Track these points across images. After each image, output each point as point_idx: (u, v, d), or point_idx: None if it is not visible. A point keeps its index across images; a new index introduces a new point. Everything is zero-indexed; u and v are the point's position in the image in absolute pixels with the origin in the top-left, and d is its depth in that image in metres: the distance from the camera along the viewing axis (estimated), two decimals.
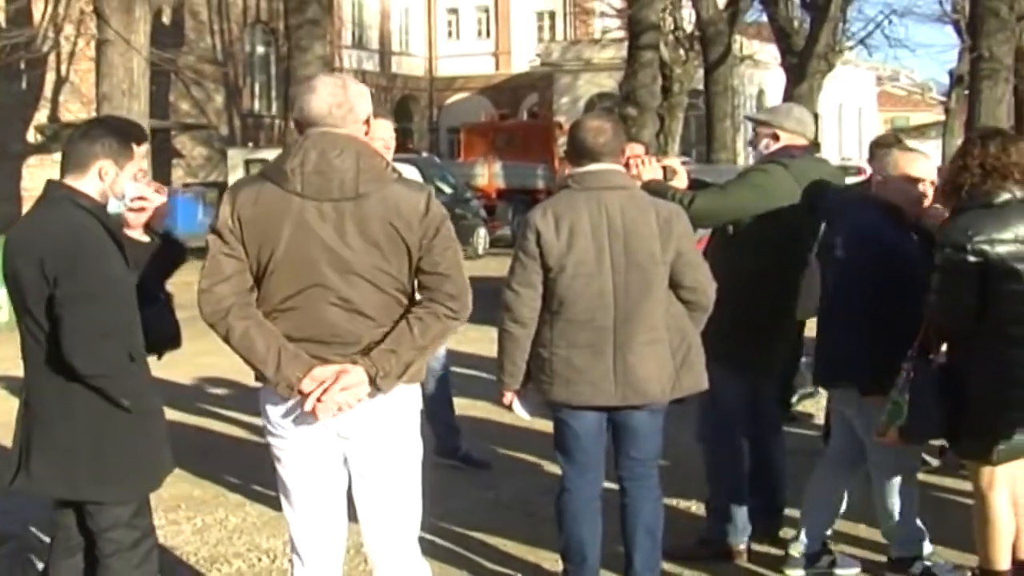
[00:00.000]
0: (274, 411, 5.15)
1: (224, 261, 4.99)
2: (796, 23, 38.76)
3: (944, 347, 6.38)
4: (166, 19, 41.65)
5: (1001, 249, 5.92)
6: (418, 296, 5.14)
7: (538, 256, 6.08)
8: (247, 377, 5.46)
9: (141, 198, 5.57)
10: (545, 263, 6.07)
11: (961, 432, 6.21)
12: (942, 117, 49.12)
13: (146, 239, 5.66)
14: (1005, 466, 6.14)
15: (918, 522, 6.91)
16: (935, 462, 8.67)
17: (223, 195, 5.22)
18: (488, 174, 39.33)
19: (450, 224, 5.17)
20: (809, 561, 7.08)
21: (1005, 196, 6.03)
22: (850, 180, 9.39)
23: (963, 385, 6.13)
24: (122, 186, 5.42)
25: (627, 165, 6.92)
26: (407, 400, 5.25)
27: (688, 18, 44.43)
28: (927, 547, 6.92)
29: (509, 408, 6.49)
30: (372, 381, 4.95)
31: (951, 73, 43.72)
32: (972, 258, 5.92)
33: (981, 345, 6.07)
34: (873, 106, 76.33)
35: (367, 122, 5.17)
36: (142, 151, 5.61)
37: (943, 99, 52.35)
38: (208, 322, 5.02)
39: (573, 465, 6.39)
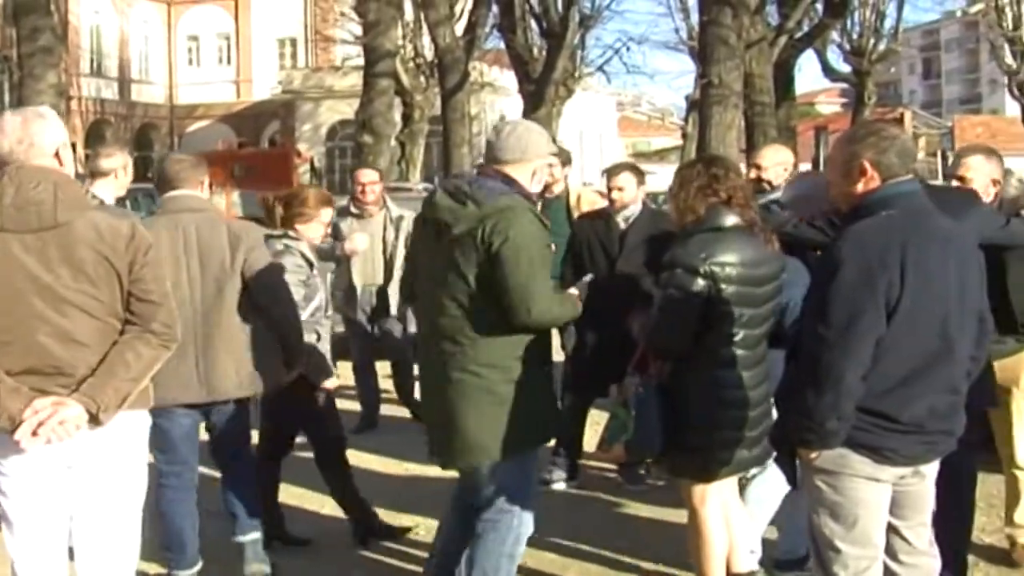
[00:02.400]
0: None
1: None
2: (535, 50, 38.91)
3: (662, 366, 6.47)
4: None
5: (730, 271, 6.13)
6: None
7: None
8: None
9: None
10: None
11: (676, 450, 6.33)
12: (681, 142, 50.14)
13: None
14: (717, 483, 6.39)
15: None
16: (660, 482, 8.91)
17: None
18: (226, 203, 38.65)
19: (157, 253, 5.32)
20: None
21: (732, 220, 6.26)
22: None
23: (678, 403, 6.28)
24: None
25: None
26: (132, 427, 5.28)
27: (428, 45, 44.39)
28: None
29: None
30: (91, 415, 4.94)
31: (687, 99, 44.55)
32: (702, 281, 6.12)
33: (695, 365, 6.27)
34: (614, 131, 77.50)
35: (57, 154, 5.17)
36: None
37: (682, 124, 53.39)
38: None
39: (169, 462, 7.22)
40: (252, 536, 7.52)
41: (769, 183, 8.89)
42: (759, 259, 6.30)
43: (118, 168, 8.17)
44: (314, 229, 8.10)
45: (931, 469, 5.48)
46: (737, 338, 6.26)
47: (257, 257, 7.13)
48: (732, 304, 6.20)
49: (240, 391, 7.20)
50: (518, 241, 5.81)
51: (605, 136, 73.79)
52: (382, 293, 11.78)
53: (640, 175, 9.41)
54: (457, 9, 40.68)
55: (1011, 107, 68.93)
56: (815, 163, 36.44)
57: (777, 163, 8.88)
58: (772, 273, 6.37)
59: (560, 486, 9.33)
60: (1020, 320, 7.13)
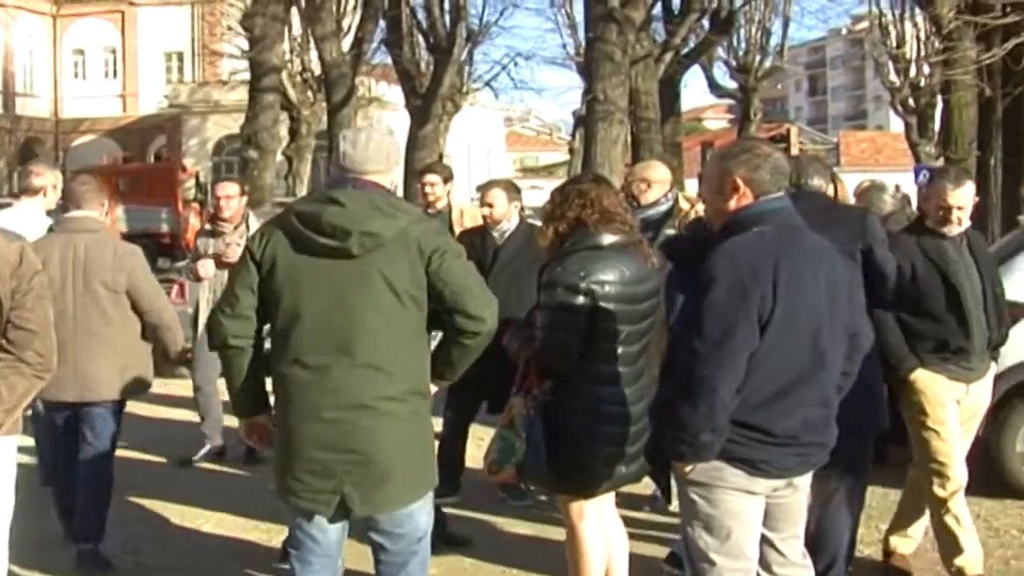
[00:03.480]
0: None
1: None
2: (422, 65, 38.80)
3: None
4: None
5: (609, 289, 6.21)
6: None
7: None
8: None
9: None
10: None
11: (556, 466, 6.31)
12: (569, 157, 50.23)
13: None
14: (595, 498, 6.47)
15: None
16: (542, 497, 9.10)
17: None
18: (111, 218, 38.18)
19: (43, 279, 5.26)
20: None
21: (611, 239, 6.33)
22: None
23: (559, 420, 6.30)
24: None
25: None
26: (1, 453, 5.35)
27: (316, 60, 44.18)
28: None
29: None
30: None
31: (575, 114, 44.62)
32: (582, 298, 6.19)
33: (576, 383, 6.31)
34: (502, 146, 77.56)
35: None
36: None
37: (570, 139, 53.48)
38: None
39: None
40: (89, 546, 8.00)
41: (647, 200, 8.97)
42: (638, 276, 6.36)
43: (47, 186, 8.89)
44: None
45: (804, 481, 5.54)
46: (617, 355, 6.34)
47: (139, 276, 8.20)
48: (612, 321, 6.26)
49: (113, 394, 8.14)
50: (448, 244, 5.66)
51: (493, 151, 73.83)
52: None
53: (512, 191, 9.43)
54: (345, 24, 40.51)
55: (895, 123, 69.67)
56: (701, 178, 36.86)
57: (664, 179, 8.97)
58: (651, 290, 6.45)
59: (447, 501, 9.25)
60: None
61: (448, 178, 10.87)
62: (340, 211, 5.48)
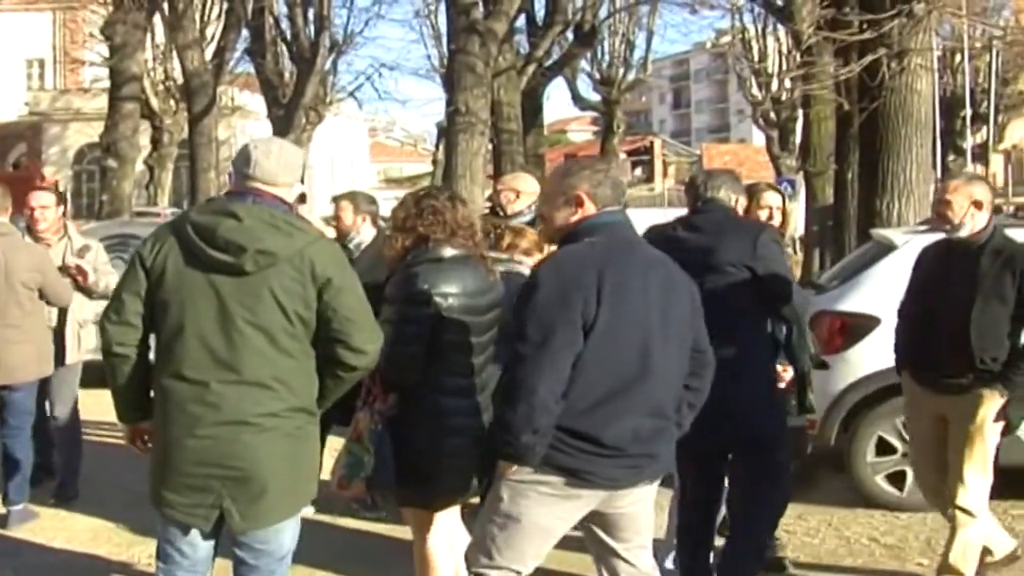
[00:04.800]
0: None
1: None
2: (286, 74, 38.59)
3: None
4: None
5: (452, 301, 6.27)
6: None
7: None
8: None
9: None
10: None
11: (403, 479, 6.34)
12: (432, 168, 50.24)
13: None
14: (441, 511, 6.55)
15: None
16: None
17: None
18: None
19: None
20: None
21: (452, 252, 6.40)
22: None
23: (405, 433, 6.33)
24: None
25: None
26: None
27: (179, 68, 43.80)
28: None
29: None
30: None
31: (438, 126, 44.61)
32: (425, 310, 6.22)
33: (421, 395, 6.32)
34: (366, 157, 77.41)
35: None
36: None
37: (433, 151, 53.48)
38: None
39: None
40: (19, 507, 9.37)
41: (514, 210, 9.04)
42: (480, 288, 6.42)
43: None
44: None
45: (646, 493, 5.61)
46: (461, 366, 6.36)
47: (51, 275, 9.44)
48: (455, 333, 6.31)
49: (29, 376, 9.48)
50: (344, 272, 5.58)
51: (357, 162, 73.65)
52: (57, 335, 9.90)
53: (362, 203, 9.46)
54: (208, 32, 40.19)
55: (758, 136, 70.55)
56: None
57: (520, 190, 9.02)
58: (493, 302, 6.48)
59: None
60: (978, 357, 7.32)
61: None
62: (237, 226, 5.37)
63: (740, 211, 7.47)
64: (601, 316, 5.19)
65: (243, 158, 5.64)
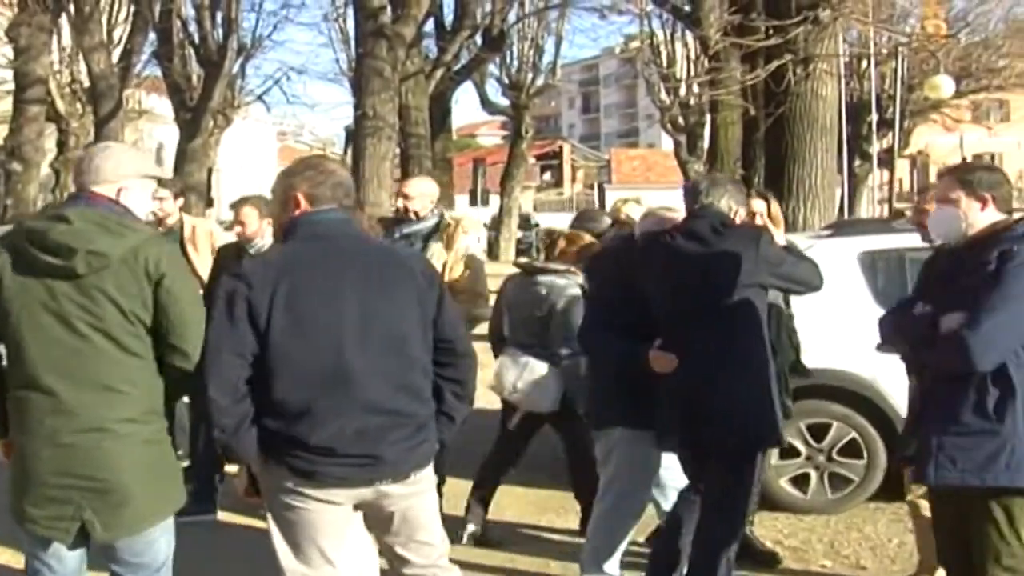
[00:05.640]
0: None
1: None
2: (194, 78, 38.34)
3: None
4: None
5: None
6: None
7: None
8: None
9: None
10: None
11: None
12: None
13: None
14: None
15: None
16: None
17: None
18: None
19: None
20: None
21: None
22: None
23: None
24: None
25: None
26: None
27: (85, 71, 43.37)
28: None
29: None
30: None
31: (347, 130, 44.48)
32: None
33: None
34: (275, 161, 76.99)
35: None
36: None
37: (343, 154, 53.34)
38: None
39: None
40: None
41: (416, 213, 9.07)
42: None
43: None
44: None
45: (412, 490, 5.60)
46: None
47: None
48: None
49: None
50: (178, 272, 5.48)
51: (265, 166, 73.16)
52: None
53: (264, 206, 9.42)
54: (115, 35, 39.81)
55: (666, 141, 70.94)
56: (473, 194, 37.00)
57: (423, 194, 9.03)
58: None
59: (203, 519, 9.22)
60: None
61: (179, 193, 10.77)
62: (67, 229, 5.30)
63: (738, 221, 7.36)
64: (275, 319, 5.23)
65: (77, 164, 5.65)
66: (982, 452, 5.74)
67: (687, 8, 27.43)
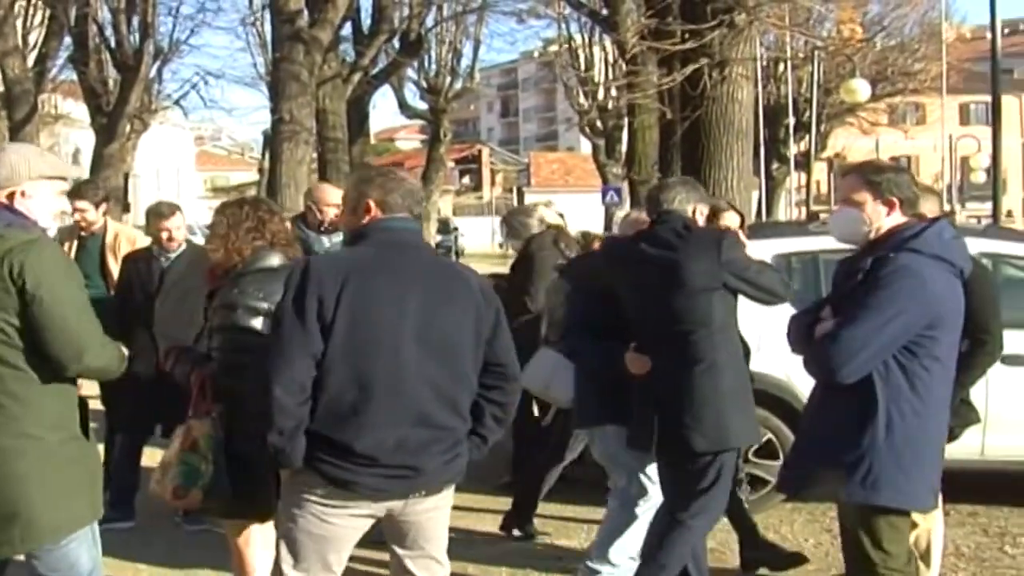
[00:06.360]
0: None
1: None
2: (110, 82, 37.98)
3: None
4: None
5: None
6: None
7: None
8: None
9: None
10: None
11: (235, 491, 6.28)
12: (258, 176, 49.93)
13: None
14: (263, 525, 6.48)
15: None
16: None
17: None
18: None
19: None
20: None
21: (279, 260, 6.46)
22: None
23: (237, 444, 6.21)
24: None
25: None
26: None
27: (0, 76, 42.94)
28: None
29: None
30: None
31: (264, 134, 44.29)
32: (262, 319, 6.18)
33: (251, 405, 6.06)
34: (192, 166, 76.67)
35: None
36: None
37: (260, 159, 53.15)
38: None
39: None
40: None
41: (332, 223, 9.05)
42: None
43: None
44: None
45: (436, 503, 5.56)
46: None
47: None
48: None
49: None
50: (53, 279, 5.19)
51: (183, 170, 72.93)
52: None
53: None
54: (31, 39, 39.40)
55: (585, 145, 71.18)
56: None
57: (336, 203, 9.01)
58: None
59: (121, 525, 9.16)
60: None
61: (101, 200, 10.67)
62: None
63: (701, 219, 7.46)
64: (339, 319, 5.19)
65: None
66: (839, 466, 5.71)
67: (604, 12, 27.50)
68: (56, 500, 5.30)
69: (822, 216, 15.06)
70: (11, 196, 5.39)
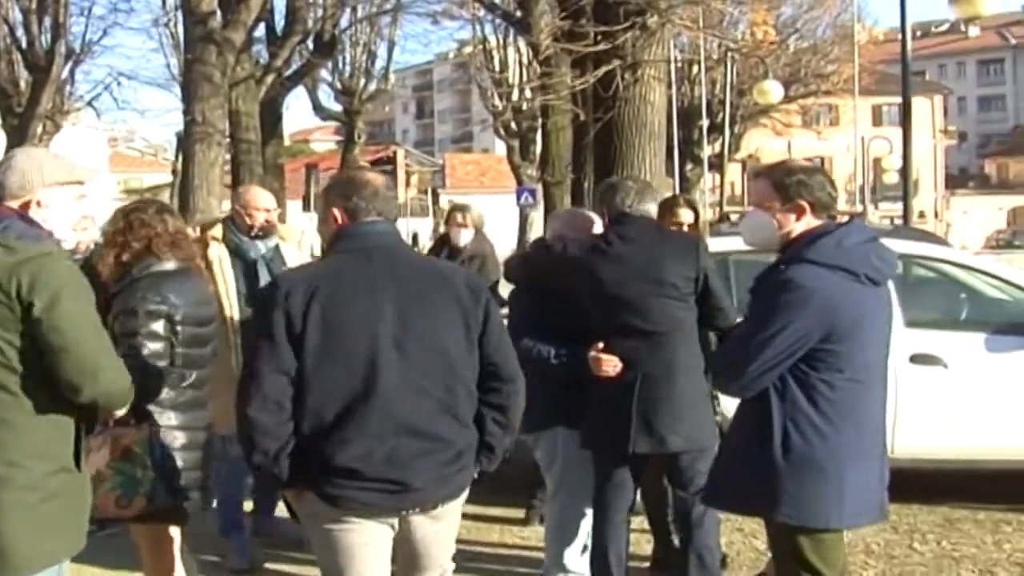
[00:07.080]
0: None
1: None
2: (22, 83, 37.60)
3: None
4: None
5: (185, 312, 6.24)
6: None
7: None
8: None
9: None
10: None
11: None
12: (172, 178, 49.58)
13: None
14: (178, 528, 6.45)
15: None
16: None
17: None
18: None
19: None
20: None
21: (175, 264, 6.39)
22: None
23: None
24: None
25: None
26: None
27: None
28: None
29: None
30: None
31: (178, 136, 43.97)
32: (162, 323, 6.17)
33: (153, 410, 6.23)
34: (106, 167, 75.97)
35: None
36: None
37: (174, 161, 52.77)
38: None
39: None
40: None
41: (262, 228, 8.96)
42: (203, 299, 6.50)
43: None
44: None
45: (441, 514, 5.41)
46: (191, 380, 6.34)
47: None
48: (186, 346, 6.30)
49: None
50: (68, 297, 4.61)
51: (96, 172, 72.24)
52: None
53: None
54: None
55: (500, 146, 71.24)
56: (305, 200, 36.74)
57: (266, 207, 8.97)
58: (213, 314, 6.55)
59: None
60: None
61: None
62: None
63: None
64: (309, 332, 5.02)
65: None
66: (743, 481, 5.66)
67: (518, 14, 27.51)
68: (34, 534, 4.74)
69: (733, 217, 15.12)
70: (26, 206, 5.23)
